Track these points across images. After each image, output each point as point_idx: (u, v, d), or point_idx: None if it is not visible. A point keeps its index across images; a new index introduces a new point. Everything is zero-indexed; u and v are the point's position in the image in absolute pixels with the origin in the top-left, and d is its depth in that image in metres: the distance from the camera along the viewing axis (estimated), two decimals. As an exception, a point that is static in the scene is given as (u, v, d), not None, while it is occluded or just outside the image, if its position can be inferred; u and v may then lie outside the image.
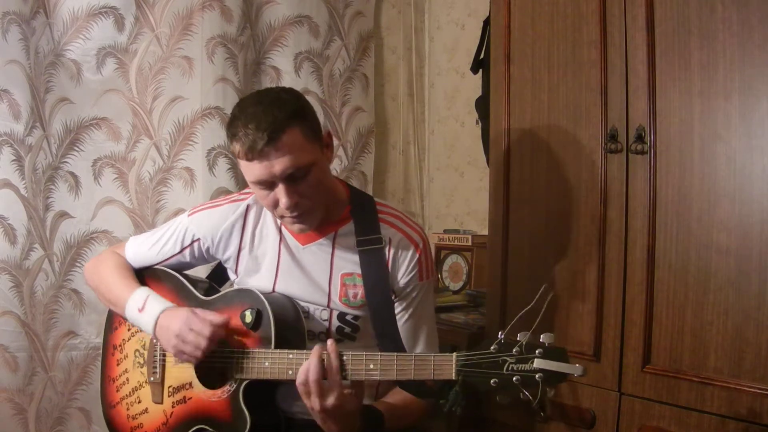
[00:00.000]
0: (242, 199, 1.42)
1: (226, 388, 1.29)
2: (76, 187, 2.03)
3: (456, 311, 2.04)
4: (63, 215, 2.01)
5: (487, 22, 2.03)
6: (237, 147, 1.20)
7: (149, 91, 2.08)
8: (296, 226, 1.29)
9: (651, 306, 1.37)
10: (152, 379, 1.38)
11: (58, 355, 1.98)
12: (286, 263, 1.37)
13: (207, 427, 1.31)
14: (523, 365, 1.06)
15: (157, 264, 1.46)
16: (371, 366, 1.16)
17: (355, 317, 1.36)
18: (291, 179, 1.20)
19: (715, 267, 1.28)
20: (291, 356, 1.21)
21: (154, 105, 2.08)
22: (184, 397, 1.34)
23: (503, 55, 1.67)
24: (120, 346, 1.47)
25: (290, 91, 1.28)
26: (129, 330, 1.45)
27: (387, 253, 1.33)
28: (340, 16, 2.46)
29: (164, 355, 1.38)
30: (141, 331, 1.40)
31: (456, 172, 2.59)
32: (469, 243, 2.29)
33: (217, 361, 1.28)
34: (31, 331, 1.94)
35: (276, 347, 1.24)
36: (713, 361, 1.28)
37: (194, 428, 1.32)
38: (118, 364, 1.46)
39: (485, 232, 1.83)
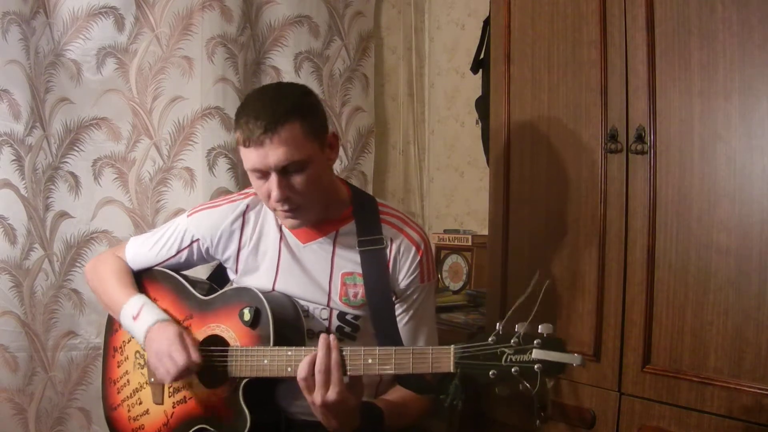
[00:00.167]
0: (241, 199, 1.42)
1: (226, 387, 1.29)
2: (76, 187, 2.03)
3: (456, 311, 2.04)
4: (63, 215, 2.01)
5: (487, 22, 2.03)
6: (238, 134, 1.23)
7: (149, 91, 2.08)
8: (288, 221, 1.30)
9: (651, 306, 1.36)
10: (152, 380, 1.38)
11: (58, 355, 1.99)
12: (286, 261, 1.37)
13: (208, 427, 1.31)
14: (522, 356, 1.06)
15: (157, 264, 1.46)
16: (369, 360, 1.16)
17: (356, 317, 1.36)
18: (284, 172, 1.22)
19: (715, 267, 1.28)
20: (290, 353, 1.21)
21: (154, 105, 2.09)
22: (185, 397, 1.34)
23: (503, 55, 1.67)
24: (120, 348, 1.47)
25: (299, 87, 1.31)
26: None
27: (388, 254, 1.34)
28: (340, 16, 2.46)
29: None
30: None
31: (456, 172, 2.59)
32: (469, 243, 2.29)
33: (216, 360, 1.28)
34: (31, 331, 1.94)
35: (275, 345, 1.24)
36: (713, 361, 1.28)
37: (195, 428, 1.32)
38: (118, 366, 1.46)
39: (485, 232, 1.83)
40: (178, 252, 1.44)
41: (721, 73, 1.27)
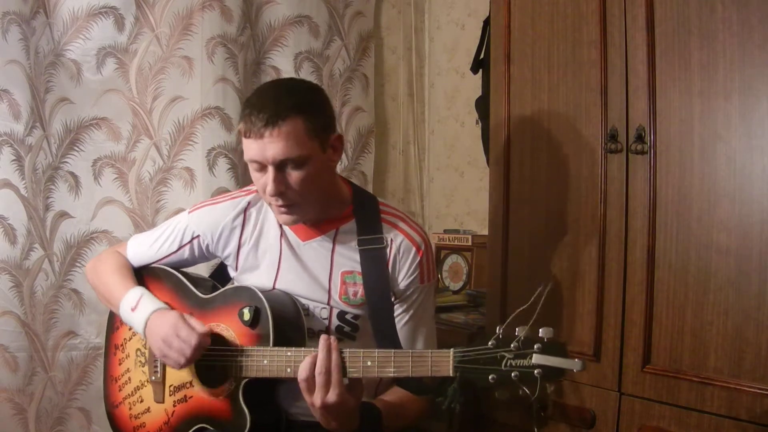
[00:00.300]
0: (243, 196, 1.42)
1: (226, 386, 1.29)
2: (76, 187, 2.03)
3: (456, 311, 2.05)
4: (63, 215, 2.01)
5: (487, 22, 2.03)
6: (242, 124, 1.24)
7: (149, 91, 2.08)
8: (282, 217, 1.30)
9: (651, 306, 1.37)
10: (153, 378, 1.38)
11: (58, 355, 1.98)
12: (287, 259, 1.37)
13: (208, 426, 1.31)
14: (522, 360, 1.05)
15: (157, 261, 1.46)
16: (368, 363, 1.16)
17: (355, 316, 1.36)
18: (282, 166, 1.22)
19: (715, 267, 1.28)
20: (289, 354, 1.21)
21: (154, 105, 2.08)
22: (185, 396, 1.34)
23: (503, 55, 1.67)
24: (122, 345, 1.47)
25: (308, 85, 1.32)
26: (130, 329, 1.45)
27: (388, 253, 1.33)
28: (340, 16, 2.46)
29: (165, 355, 1.38)
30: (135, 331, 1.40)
31: (456, 172, 2.59)
32: (469, 243, 2.29)
33: (216, 359, 1.28)
34: (31, 331, 1.94)
35: (275, 345, 1.24)
36: (713, 361, 1.28)
37: (195, 427, 1.32)
38: (120, 364, 1.46)
39: (485, 232, 1.83)
40: (179, 248, 1.44)
41: (721, 73, 1.27)
